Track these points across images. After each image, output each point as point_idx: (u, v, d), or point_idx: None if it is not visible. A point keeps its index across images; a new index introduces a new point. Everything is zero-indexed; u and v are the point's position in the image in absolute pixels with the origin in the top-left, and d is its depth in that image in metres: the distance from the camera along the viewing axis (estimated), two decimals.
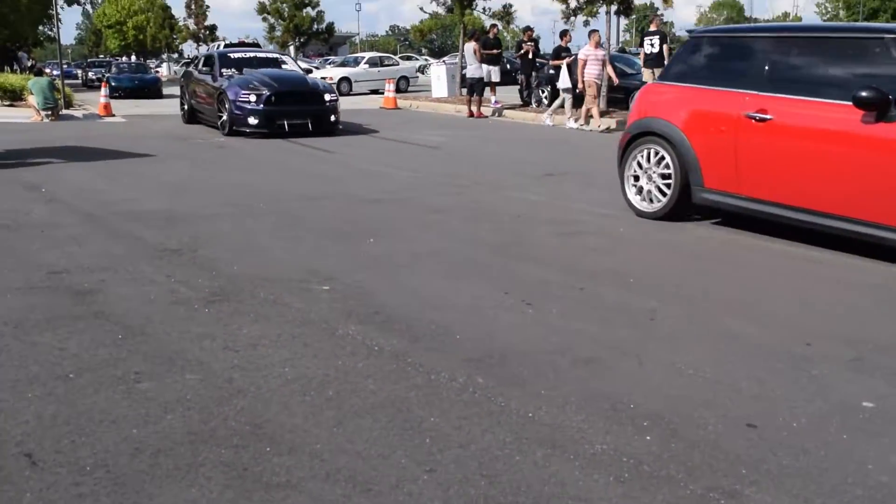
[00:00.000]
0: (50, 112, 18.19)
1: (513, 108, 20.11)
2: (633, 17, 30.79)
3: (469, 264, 5.74)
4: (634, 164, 7.38)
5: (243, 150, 12.81)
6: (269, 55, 18.92)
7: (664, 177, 7.11)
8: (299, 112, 14.85)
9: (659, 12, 27.34)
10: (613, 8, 19.35)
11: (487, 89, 19.42)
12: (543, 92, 20.28)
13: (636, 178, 7.39)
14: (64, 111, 19.82)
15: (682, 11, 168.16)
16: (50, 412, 3.27)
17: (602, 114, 16.56)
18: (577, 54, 16.64)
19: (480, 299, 4.87)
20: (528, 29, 20.96)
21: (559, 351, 4.02)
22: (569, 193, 8.73)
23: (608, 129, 15.71)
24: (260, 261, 5.76)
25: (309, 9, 33.88)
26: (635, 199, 7.41)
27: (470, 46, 19.30)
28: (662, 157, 7.08)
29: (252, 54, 17.92)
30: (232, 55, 17.16)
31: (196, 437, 3.07)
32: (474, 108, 19.26)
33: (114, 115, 20.09)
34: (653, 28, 17.68)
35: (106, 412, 3.28)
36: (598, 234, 6.77)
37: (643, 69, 17.33)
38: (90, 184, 9.21)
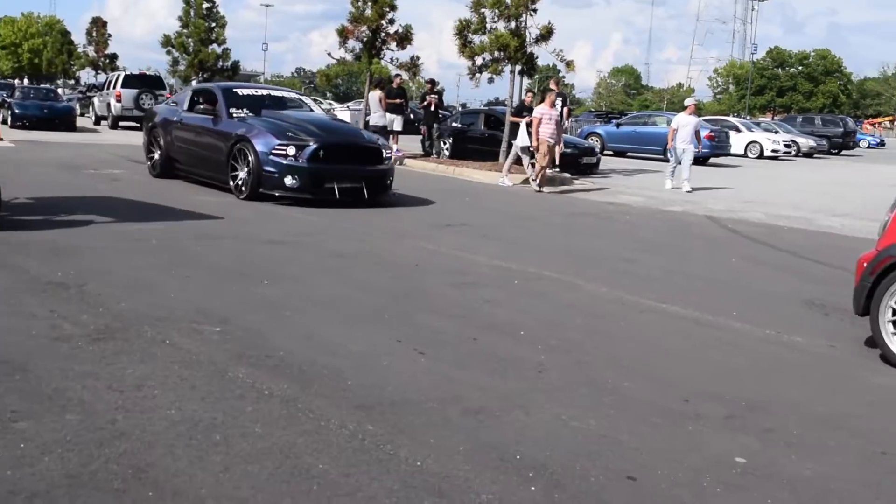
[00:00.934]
0: None
1: (414, 157, 20.34)
2: (536, 77, 31.60)
3: (365, 311, 5.76)
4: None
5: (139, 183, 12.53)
6: (286, 93, 14.62)
7: None
8: (354, 173, 11.41)
9: (561, 74, 28.23)
10: (518, 68, 19.86)
11: (390, 137, 19.61)
12: (444, 143, 20.60)
13: None
14: None
15: (582, 74, 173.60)
16: None
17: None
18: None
19: (374, 346, 4.90)
20: (431, 81, 21.28)
21: (450, 400, 4.08)
22: (468, 245, 8.85)
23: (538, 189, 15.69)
24: (149, 298, 5.64)
25: (215, 45, 33.54)
26: None
27: (375, 95, 19.50)
28: None
29: (265, 91, 13.82)
30: (240, 91, 13.15)
31: (74, 481, 2.98)
32: None
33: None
34: (553, 88, 18.27)
35: None
36: (494, 285, 6.89)
37: None
38: None
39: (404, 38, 22.17)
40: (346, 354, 4.71)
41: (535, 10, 19.19)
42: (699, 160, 17.87)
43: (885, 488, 3.45)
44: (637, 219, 12.57)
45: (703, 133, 25.52)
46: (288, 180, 10.95)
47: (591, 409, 4.07)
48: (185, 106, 13.21)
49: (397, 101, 19.74)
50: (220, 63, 35.12)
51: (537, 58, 20.25)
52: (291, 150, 10.94)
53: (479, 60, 19.98)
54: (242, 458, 3.25)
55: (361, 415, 3.79)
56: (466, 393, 4.20)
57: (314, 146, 11.07)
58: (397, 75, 21.20)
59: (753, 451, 3.71)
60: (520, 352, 5.00)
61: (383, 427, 3.67)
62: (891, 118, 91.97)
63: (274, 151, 10.96)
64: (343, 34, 22.36)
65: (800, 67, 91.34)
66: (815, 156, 38.39)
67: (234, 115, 12.08)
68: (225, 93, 12.75)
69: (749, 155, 33.53)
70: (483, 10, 19.36)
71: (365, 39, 22.18)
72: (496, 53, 19.39)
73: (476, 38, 20.04)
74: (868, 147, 55.48)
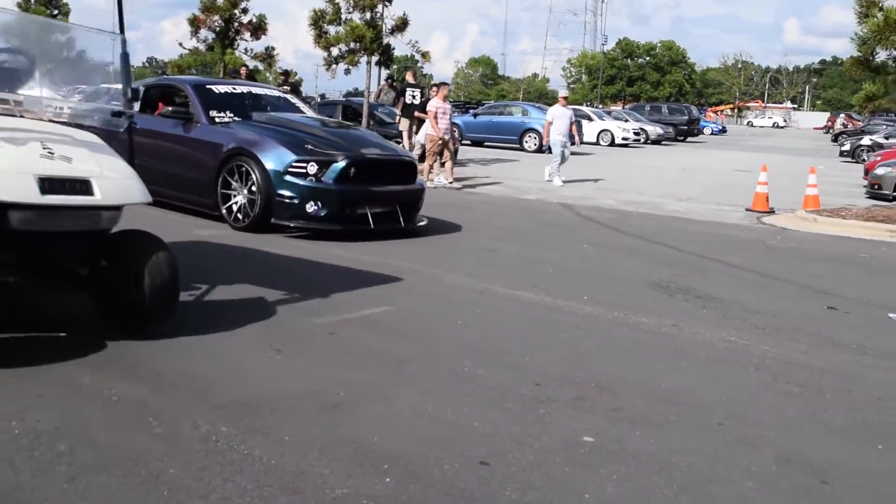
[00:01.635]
0: None
1: None
2: (395, 67, 31.62)
3: (222, 307, 5.66)
4: None
5: None
6: (268, 91, 11.61)
7: None
8: (389, 195, 9.07)
9: (419, 65, 28.42)
10: (375, 59, 19.85)
11: None
12: None
13: None
14: None
15: (440, 65, 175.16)
16: None
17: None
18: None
19: (231, 345, 4.82)
20: (285, 73, 21.04)
21: (307, 396, 4.07)
22: (321, 237, 8.80)
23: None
24: None
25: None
26: None
27: None
28: None
29: (245, 88, 10.99)
30: (216, 88, 10.27)
31: None
32: None
33: None
34: (410, 80, 18.38)
35: None
36: (362, 278, 6.89)
37: (402, 119, 17.91)
38: None
39: (258, 28, 21.82)
40: (200, 354, 4.62)
41: (390, 1, 19.25)
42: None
43: (722, 457, 3.67)
44: (494, 208, 12.82)
45: None
46: (310, 207, 8.42)
47: (447, 398, 4.15)
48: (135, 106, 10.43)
49: None
50: (65, 52, 33.54)
51: (394, 49, 20.33)
52: (313, 168, 8.46)
53: (334, 51, 19.88)
54: (88, 468, 3.15)
55: (215, 415, 3.73)
56: (325, 388, 4.20)
57: (343, 162, 8.55)
58: (244, 65, 20.88)
59: (601, 429, 3.88)
60: (379, 344, 5.04)
61: (237, 427, 3.62)
62: (731, 106, 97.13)
63: (291, 170, 8.43)
64: (195, 23, 21.80)
65: (647, 58, 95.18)
66: (663, 143, 40.16)
67: (217, 119, 9.48)
68: (198, 90, 9.88)
69: (601, 143, 34.75)
70: (338, 0, 19.26)
71: (217, 29, 21.70)
72: (352, 44, 19.34)
73: (332, 29, 19.94)
74: (711, 134, 58.41)
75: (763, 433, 4.01)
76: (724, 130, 63.47)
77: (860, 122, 48.16)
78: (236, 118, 9.55)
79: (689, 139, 46.00)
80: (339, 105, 22.44)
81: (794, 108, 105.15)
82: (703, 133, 53.93)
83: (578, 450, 3.63)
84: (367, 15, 19.42)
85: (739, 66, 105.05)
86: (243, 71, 20.10)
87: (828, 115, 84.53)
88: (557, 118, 17.04)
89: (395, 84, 21.61)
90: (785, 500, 3.33)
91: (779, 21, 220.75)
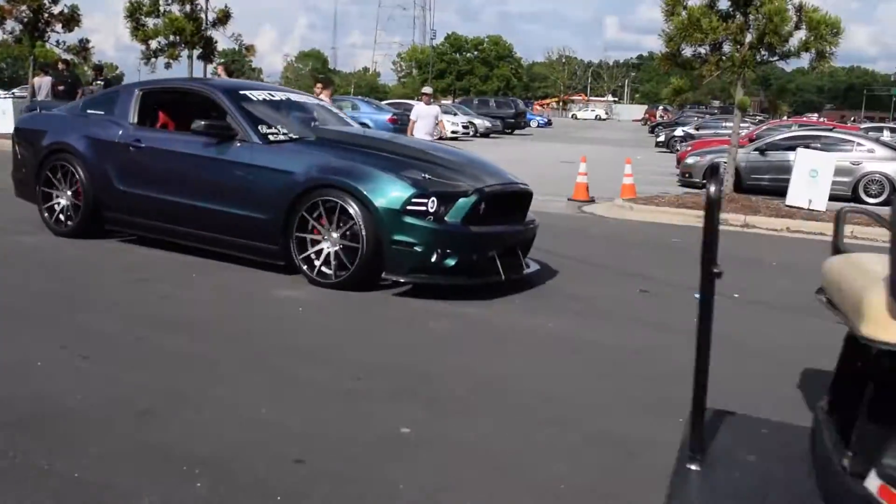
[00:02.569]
0: None
1: None
2: (222, 61, 30.74)
3: (22, 316, 5.34)
4: None
5: None
6: (305, 98, 9.15)
7: None
8: (514, 236, 7.11)
9: (248, 59, 27.79)
10: (196, 52, 19.29)
11: None
12: None
13: None
14: None
15: (269, 59, 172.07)
16: None
17: None
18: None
19: (32, 354, 4.56)
20: (97, 67, 20.13)
21: (114, 404, 3.90)
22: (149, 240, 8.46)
23: None
24: None
25: None
26: None
27: (44, 81, 18.08)
28: None
29: (283, 95, 8.46)
30: (253, 94, 7.73)
31: None
32: None
33: None
34: (222, 74, 18.03)
35: None
36: (170, 280, 6.66)
37: None
38: None
39: (71, 20, 20.71)
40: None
41: None
42: None
43: (536, 439, 3.80)
44: None
45: (386, 116, 26.26)
46: (436, 257, 6.32)
47: (264, 399, 4.08)
48: (133, 117, 7.89)
49: (60, 87, 18.43)
50: None
51: (216, 42, 19.83)
52: (433, 205, 6.36)
53: (153, 44, 19.19)
54: None
55: (14, 430, 3.52)
56: (134, 395, 4.04)
57: (474, 197, 6.53)
58: (62, 59, 19.80)
59: (419, 420, 3.93)
60: (193, 347, 4.90)
61: (39, 441, 3.43)
62: (557, 99, 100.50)
63: (410, 208, 6.28)
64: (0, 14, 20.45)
65: (476, 52, 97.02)
66: (491, 136, 41.05)
67: (270, 136, 7.15)
68: (233, 97, 7.49)
69: (430, 136, 35.10)
70: None
71: (26, 20, 20.44)
72: (171, 37, 18.74)
73: (150, 21, 19.23)
74: (538, 126, 60.25)
75: (575, 414, 4.18)
76: (549, 123, 65.60)
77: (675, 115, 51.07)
78: (292, 135, 7.27)
79: (516, 132, 47.25)
80: None
81: (615, 101, 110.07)
82: (529, 126, 55.51)
83: (395, 442, 3.66)
84: (187, 7, 18.86)
85: (563, 60, 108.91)
86: (60, 65, 19.00)
87: (645, 107, 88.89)
88: (422, 117, 15.75)
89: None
90: (594, 476, 3.48)
91: (599, 18, 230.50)
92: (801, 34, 13.12)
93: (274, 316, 5.77)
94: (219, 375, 4.43)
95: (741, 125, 15.14)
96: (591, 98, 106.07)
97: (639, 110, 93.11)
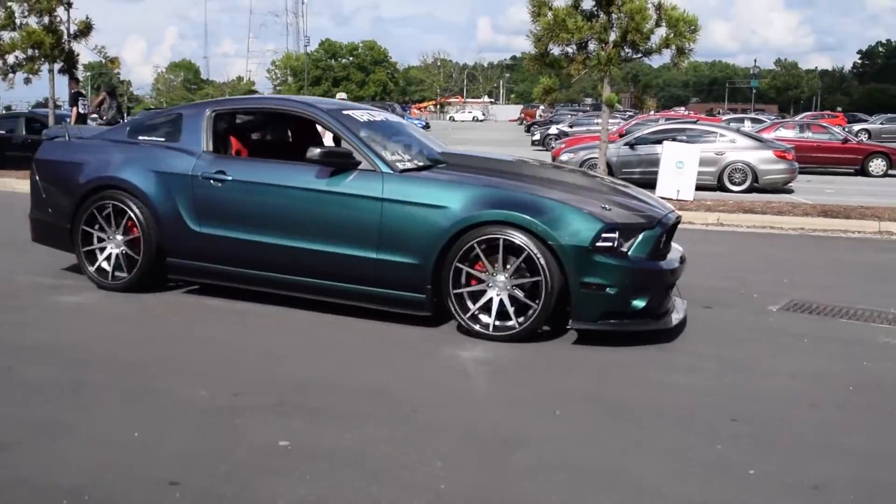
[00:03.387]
0: None
1: None
2: (88, 74, 29.64)
3: None
4: None
5: None
6: (397, 117, 7.81)
7: None
8: (680, 270, 6.12)
9: (116, 72, 26.92)
10: (57, 66, 18.51)
11: None
12: None
13: None
14: None
15: (139, 70, 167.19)
16: None
17: None
18: None
19: None
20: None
21: None
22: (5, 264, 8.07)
23: None
24: None
25: None
26: None
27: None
28: None
29: (380, 115, 7.18)
30: (356, 115, 6.64)
31: None
32: None
33: None
34: (104, 100, 17.63)
35: None
36: (36, 306, 6.37)
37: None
38: None
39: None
40: None
41: (69, 4, 18.04)
42: None
43: (414, 442, 3.82)
44: None
45: None
46: (629, 299, 5.51)
47: (137, 421, 3.97)
48: (207, 144, 6.61)
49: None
50: None
51: (78, 55, 19.09)
52: (618, 240, 5.53)
53: (10, 59, 18.32)
54: None
55: None
56: None
57: (657, 230, 5.73)
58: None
59: (298, 432, 3.89)
60: (59, 374, 4.69)
61: None
62: (434, 102, 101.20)
63: (599, 244, 5.43)
64: None
65: (351, 58, 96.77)
66: None
67: (399, 164, 6.09)
68: (341, 118, 6.42)
69: None
70: (10, 3, 17.75)
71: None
72: (30, 51, 17.92)
73: (5, 35, 18.36)
74: None
75: (452, 415, 4.23)
76: (427, 126, 65.86)
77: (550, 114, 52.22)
78: (418, 161, 6.34)
79: None
80: (21, 118, 20.68)
81: (491, 103, 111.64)
82: None
83: (273, 455, 3.62)
84: (45, 19, 18.07)
85: (439, 63, 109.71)
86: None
87: (521, 107, 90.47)
88: None
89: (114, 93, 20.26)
90: (471, 474, 3.53)
91: (472, 20, 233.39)
92: (661, 31, 13.62)
93: (142, 337, 5.59)
94: (88, 401, 4.27)
95: (612, 121, 15.59)
96: (467, 100, 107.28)
97: (515, 110, 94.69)
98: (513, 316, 5.55)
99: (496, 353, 5.33)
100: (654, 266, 5.65)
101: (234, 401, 4.29)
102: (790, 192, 17.25)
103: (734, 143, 17.74)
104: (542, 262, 5.40)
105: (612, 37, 13.78)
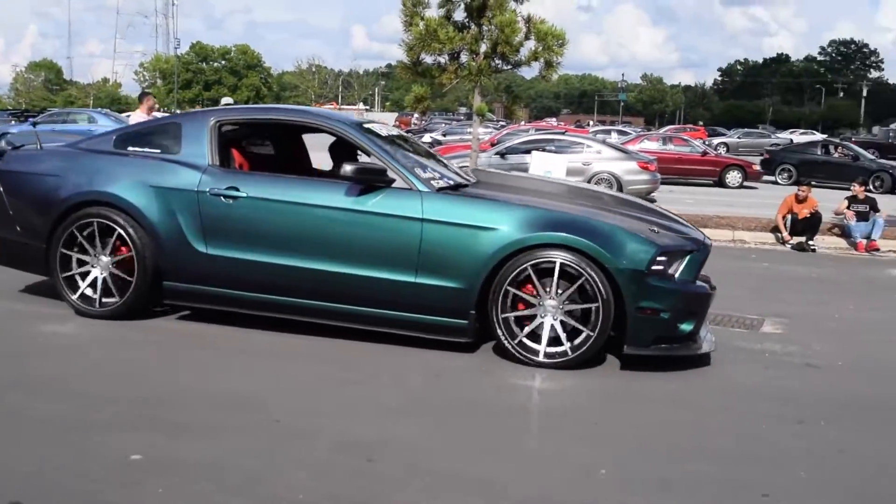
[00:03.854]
0: None
1: None
2: None
3: None
4: None
5: None
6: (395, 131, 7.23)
7: None
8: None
9: None
10: None
11: None
12: None
13: None
14: None
15: None
16: None
17: None
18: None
19: None
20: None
21: None
22: None
23: None
24: None
25: None
26: None
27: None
28: None
29: (394, 131, 7.15)
30: (378, 129, 6.42)
31: None
32: None
33: None
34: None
35: None
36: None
37: None
38: None
39: None
40: None
41: None
42: None
43: (277, 452, 3.78)
44: None
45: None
46: (679, 323, 5.42)
47: None
48: (213, 157, 6.01)
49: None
50: None
51: None
52: (667, 263, 5.43)
53: None
54: None
55: None
56: None
57: (701, 253, 5.68)
58: None
59: (153, 444, 3.78)
60: None
61: None
62: (318, 105, 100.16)
63: (654, 268, 5.31)
64: None
65: (223, 62, 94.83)
66: None
67: (433, 182, 5.77)
68: (366, 132, 6.10)
69: None
70: None
71: None
72: None
73: None
74: None
75: (319, 423, 4.19)
76: None
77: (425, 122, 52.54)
78: (449, 179, 6.08)
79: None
80: None
81: (366, 110, 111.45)
82: None
83: (125, 469, 3.51)
84: None
85: (314, 69, 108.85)
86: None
87: (396, 115, 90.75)
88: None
89: None
90: (335, 484, 3.51)
91: (346, 27, 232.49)
92: (531, 44, 13.92)
93: (19, 352, 5.32)
94: None
95: (484, 130, 15.81)
96: (343, 106, 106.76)
97: (390, 118, 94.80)
98: (565, 342, 5.34)
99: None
100: (701, 290, 5.58)
101: (90, 416, 4.13)
102: (653, 201, 17.88)
103: (600, 154, 18.30)
104: (600, 286, 5.20)
105: (483, 48, 13.98)
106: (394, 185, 5.60)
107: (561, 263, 5.26)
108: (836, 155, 25.74)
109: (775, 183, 23.95)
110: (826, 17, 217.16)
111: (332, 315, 5.66)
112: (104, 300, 5.96)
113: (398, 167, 5.69)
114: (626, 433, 4.29)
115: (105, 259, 5.94)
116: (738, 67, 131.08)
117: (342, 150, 6.50)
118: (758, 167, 24.11)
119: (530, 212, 5.48)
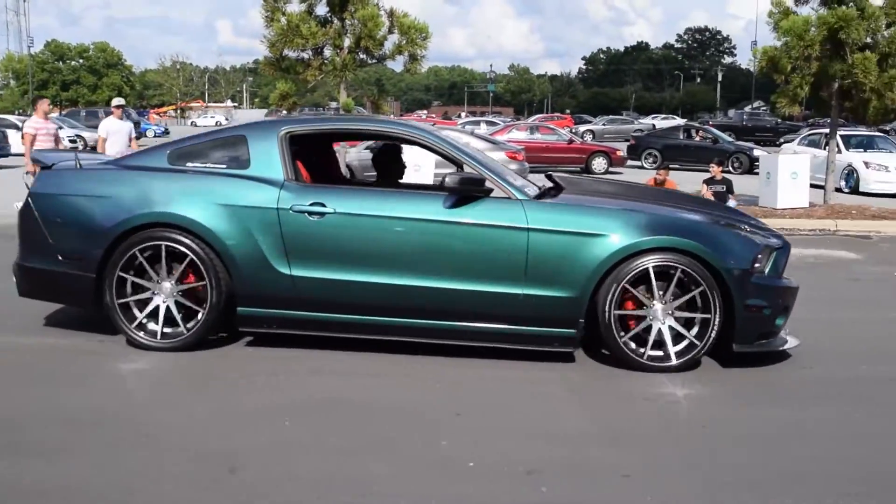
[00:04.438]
0: None
1: None
2: None
3: None
4: None
5: None
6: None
7: None
8: None
9: None
10: None
11: None
12: None
13: None
14: None
15: None
16: None
17: None
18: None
19: None
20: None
21: None
22: None
23: None
24: None
25: None
26: None
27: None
28: None
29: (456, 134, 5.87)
30: (453, 137, 6.63)
31: None
32: None
33: None
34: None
35: None
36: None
37: None
38: None
39: None
40: None
41: None
42: None
43: (134, 464, 3.66)
44: None
45: None
46: (777, 318, 5.51)
47: None
48: (288, 171, 5.55)
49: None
50: None
51: None
52: (762, 261, 5.46)
53: None
54: None
55: None
56: None
57: (787, 250, 5.77)
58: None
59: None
60: None
61: None
62: (174, 107, 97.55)
63: (756, 266, 5.37)
64: None
65: (81, 61, 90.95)
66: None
67: (527, 190, 5.61)
68: (451, 142, 5.84)
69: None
70: None
71: None
72: None
73: None
74: (155, 136, 57.89)
75: (183, 435, 4.10)
76: (167, 132, 63.42)
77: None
78: (537, 186, 5.89)
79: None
80: None
81: (235, 107, 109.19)
82: (146, 136, 53.29)
83: None
84: None
85: (178, 66, 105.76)
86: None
87: (265, 111, 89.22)
88: (114, 133, 12.56)
89: None
90: (196, 493, 3.44)
91: (211, 22, 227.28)
92: (395, 38, 13.96)
93: None
94: None
95: None
96: (210, 104, 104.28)
97: (259, 114, 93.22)
98: (671, 347, 5.32)
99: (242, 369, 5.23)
100: (791, 285, 5.63)
101: None
102: None
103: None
104: (710, 289, 5.22)
105: (347, 43, 13.96)
106: (506, 193, 5.43)
107: (675, 267, 5.23)
108: (697, 139, 26.93)
109: (641, 167, 24.85)
110: (681, 5, 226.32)
111: (433, 333, 5.40)
112: (166, 331, 5.48)
113: (493, 176, 5.48)
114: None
115: (168, 285, 5.46)
116: (602, 56, 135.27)
117: (387, 158, 6.41)
118: (622, 153, 24.90)
119: (636, 216, 5.40)
